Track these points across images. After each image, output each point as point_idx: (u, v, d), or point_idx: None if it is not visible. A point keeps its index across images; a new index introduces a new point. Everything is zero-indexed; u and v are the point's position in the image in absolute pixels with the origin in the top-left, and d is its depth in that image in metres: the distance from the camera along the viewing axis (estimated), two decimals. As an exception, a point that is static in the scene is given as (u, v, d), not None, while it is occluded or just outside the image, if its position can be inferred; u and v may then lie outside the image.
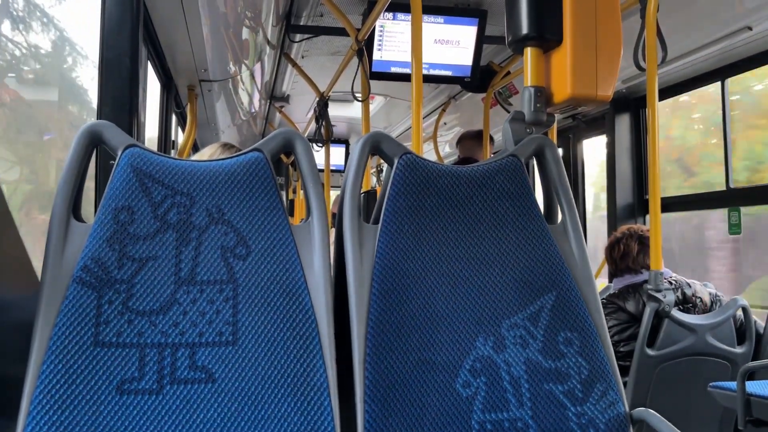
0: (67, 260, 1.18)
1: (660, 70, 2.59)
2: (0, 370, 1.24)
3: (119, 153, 1.26)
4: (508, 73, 4.17)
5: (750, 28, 2.85)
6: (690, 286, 2.71)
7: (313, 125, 4.82)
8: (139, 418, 1.10)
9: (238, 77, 3.96)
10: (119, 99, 2.16)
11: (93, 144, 1.26)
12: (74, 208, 1.23)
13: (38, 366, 1.09)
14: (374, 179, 7.92)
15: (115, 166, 1.25)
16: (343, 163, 7.42)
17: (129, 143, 1.27)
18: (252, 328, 1.19)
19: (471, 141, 4.23)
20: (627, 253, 2.83)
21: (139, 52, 2.22)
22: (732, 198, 3.35)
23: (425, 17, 3.49)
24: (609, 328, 2.60)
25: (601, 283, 3.79)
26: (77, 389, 1.09)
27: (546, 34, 1.51)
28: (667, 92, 3.68)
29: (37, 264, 1.25)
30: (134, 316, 1.16)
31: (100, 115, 2.14)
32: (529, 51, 1.55)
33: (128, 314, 1.16)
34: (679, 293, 2.66)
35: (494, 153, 4.53)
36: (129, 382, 1.12)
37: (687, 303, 2.67)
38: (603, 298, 2.86)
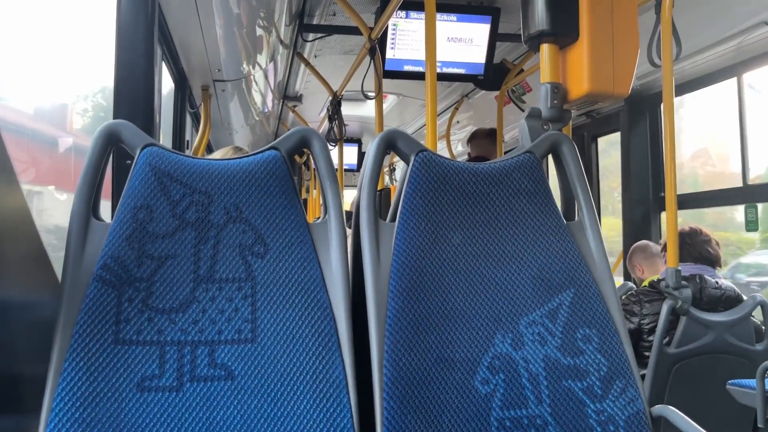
0: (87, 259, 1.19)
1: (675, 66, 2.57)
2: (23, 368, 1.25)
3: (137, 152, 1.26)
4: (522, 70, 4.15)
5: (766, 23, 2.83)
6: (734, 292, 2.72)
7: (326, 124, 4.83)
8: (160, 415, 1.10)
9: (252, 77, 3.97)
10: (135, 99, 2.17)
11: (111, 143, 1.27)
12: (93, 207, 1.24)
13: (60, 364, 1.10)
14: (387, 178, 7.92)
15: (133, 165, 1.26)
16: (355, 162, 7.43)
17: (147, 142, 1.27)
18: (270, 325, 1.19)
19: (485, 139, 4.22)
20: (707, 241, 2.89)
21: (154, 53, 2.23)
22: (749, 194, 3.32)
23: (438, 15, 3.48)
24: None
25: (617, 281, 3.77)
26: (99, 386, 1.10)
27: (562, 30, 1.51)
28: (681, 89, 3.65)
29: (57, 263, 1.26)
30: (154, 314, 1.17)
31: (117, 115, 2.15)
32: (545, 47, 1.54)
33: (148, 312, 1.17)
34: (718, 293, 2.66)
35: (506, 152, 4.51)
36: (149, 380, 1.12)
37: (722, 306, 2.67)
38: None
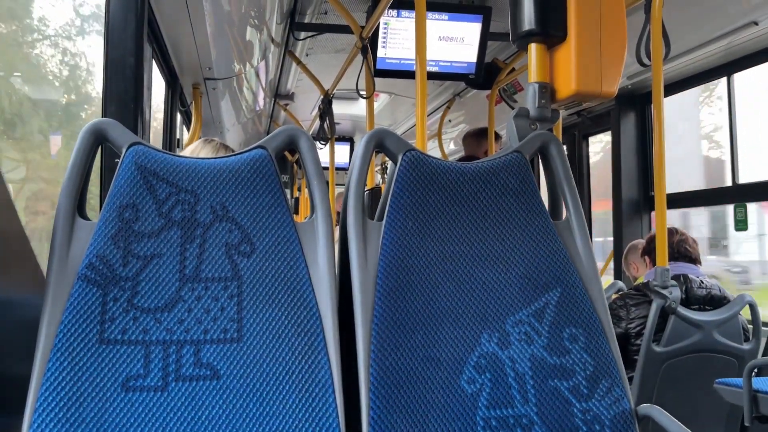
0: (72, 258, 1.19)
1: (665, 65, 2.58)
2: (6, 367, 1.24)
3: (123, 151, 1.26)
4: (513, 69, 4.16)
5: (756, 23, 2.84)
6: (720, 290, 2.73)
7: (317, 123, 4.83)
8: (145, 414, 1.10)
9: (243, 75, 3.96)
10: (124, 98, 2.16)
11: (97, 142, 1.27)
12: (79, 206, 1.23)
13: (44, 363, 1.10)
14: (379, 177, 7.92)
15: (119, 164, 1.25)
16: (347, 161, 7.42)
17: (133, 141, 1.27)
18: (256, 325, 1.19)
19: (473, 139, 4.22)
20: (684, 240, 2.91)
21: (143, 51, 2.22)
22: (738, 194, 3.34)
23: (429, 14, 3.48)
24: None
25: (607, 280, 3.79)
26: (83, 386, 1.09)
27: (550, 30, 1.51)
28: (672, 88, 3.67)
29: (43, 262, 1.25)
30: (139, 313, 1.16)
31: (105, 113, 2.15)
32: (533, 47, 1.54)
33: (133, 311, 1.16)
34: (703, 291, 2.67)
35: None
36: (134, 379, 1.12)
37: (708, 305, 2.68)
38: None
